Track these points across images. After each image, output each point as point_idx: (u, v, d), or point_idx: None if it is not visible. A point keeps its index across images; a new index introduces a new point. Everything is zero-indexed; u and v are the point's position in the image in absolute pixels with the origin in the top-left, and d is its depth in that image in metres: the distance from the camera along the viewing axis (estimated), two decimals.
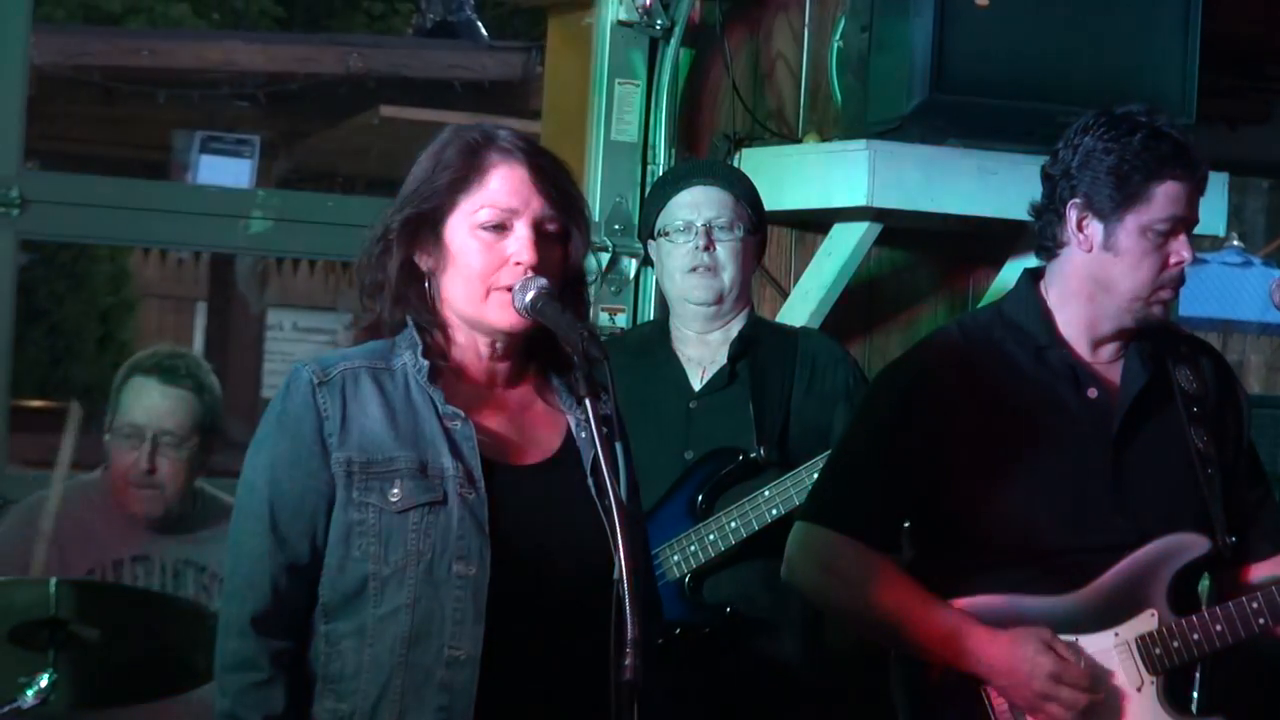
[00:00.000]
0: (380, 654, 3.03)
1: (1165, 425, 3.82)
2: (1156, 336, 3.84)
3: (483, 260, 3.08)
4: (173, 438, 4.58)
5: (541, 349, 3.20)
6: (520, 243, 3.08)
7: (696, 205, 4.54)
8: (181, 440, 4.59)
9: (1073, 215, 3.74)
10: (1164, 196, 3.68)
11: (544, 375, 3.22)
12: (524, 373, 3.21)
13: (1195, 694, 3.76)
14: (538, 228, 3.09)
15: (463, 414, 3.08)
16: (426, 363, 3.10)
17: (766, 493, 4.37)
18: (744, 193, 4.61)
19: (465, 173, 3.10)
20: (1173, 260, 3.72)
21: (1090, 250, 3.74)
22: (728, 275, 4.52)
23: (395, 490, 3.03)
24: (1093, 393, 3.79)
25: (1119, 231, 3.71)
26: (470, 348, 3.15)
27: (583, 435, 3.16)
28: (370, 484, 3.04)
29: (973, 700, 3.71)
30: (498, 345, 3.15)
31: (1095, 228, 3.73)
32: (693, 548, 4.40)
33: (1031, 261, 3.96)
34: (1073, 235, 3.75)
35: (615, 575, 2.87)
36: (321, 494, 3.05)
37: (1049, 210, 3.79)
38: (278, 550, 3.05)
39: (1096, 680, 3.68)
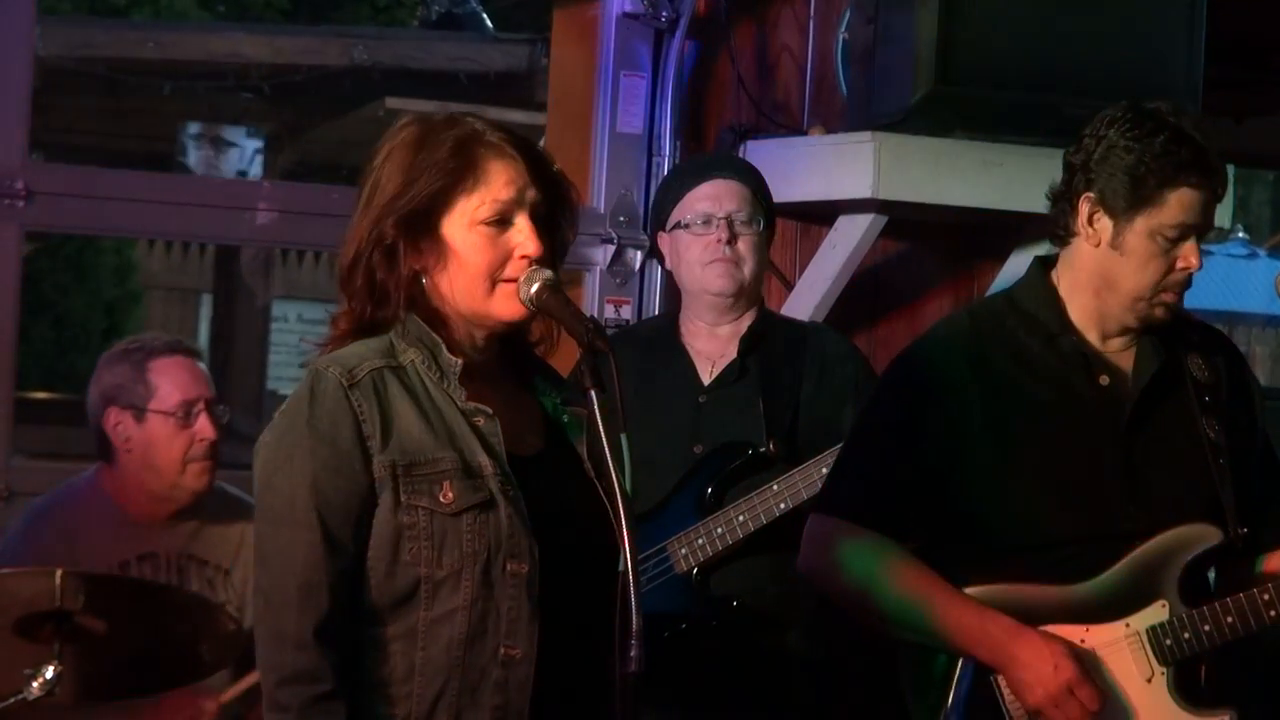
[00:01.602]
0: (435, 656, 3.00)
1: (1177, 414, 3.81)
2: (1169, 325, 3.83)
3: (487, 255, 3.07)
4: (213, 402, 4.61)
5: (510, 337, 3.19)
6: (524, 235, 3.07)
7: (718, 198, 4.54)
8: (219, 406, 4.63)
9: (1085, 209, 3.73)
10: (1177, 203, 3.67)
11: (518, 363, 3.22)
12: (505, 362, 3.20)
13: (1210, 686, 3.75)
14: (535, 217, 3.09)
15: (488, 410, 3.07)
16: (459, 360, 3.08)
17: (775, 487, 4.37)
18: (761, 189, 4.61)
19: (460, 170, 3.07)
20: (1179, 265, 3.70)
21: (1098, 245, 3.73)
22: (748, 268, 4.52)
23: (447, 492, 3.01)
24: (1104, 381, 3.78)
25: (1127, 231, 3.70)
26: (467, 342, 3.13)
27: (564, 419, 3.17)
28: (418, 486, 3.01)
29: (982, 689, 3.71)
30: (493, 336, 3.14)
31: (1105, 224, 3.72)
32: (700, 541, 4.40)
33: (1035, 253, 3.95)
34: (1083, 228, 3.75)
35: (620, 567, 2.87)
36: (364, 498, 3.01)
37: (1064, 198, 3.78)
38: (332, 558, 3.00)
39: (1104, 704, 3.67)
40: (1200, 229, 3.71)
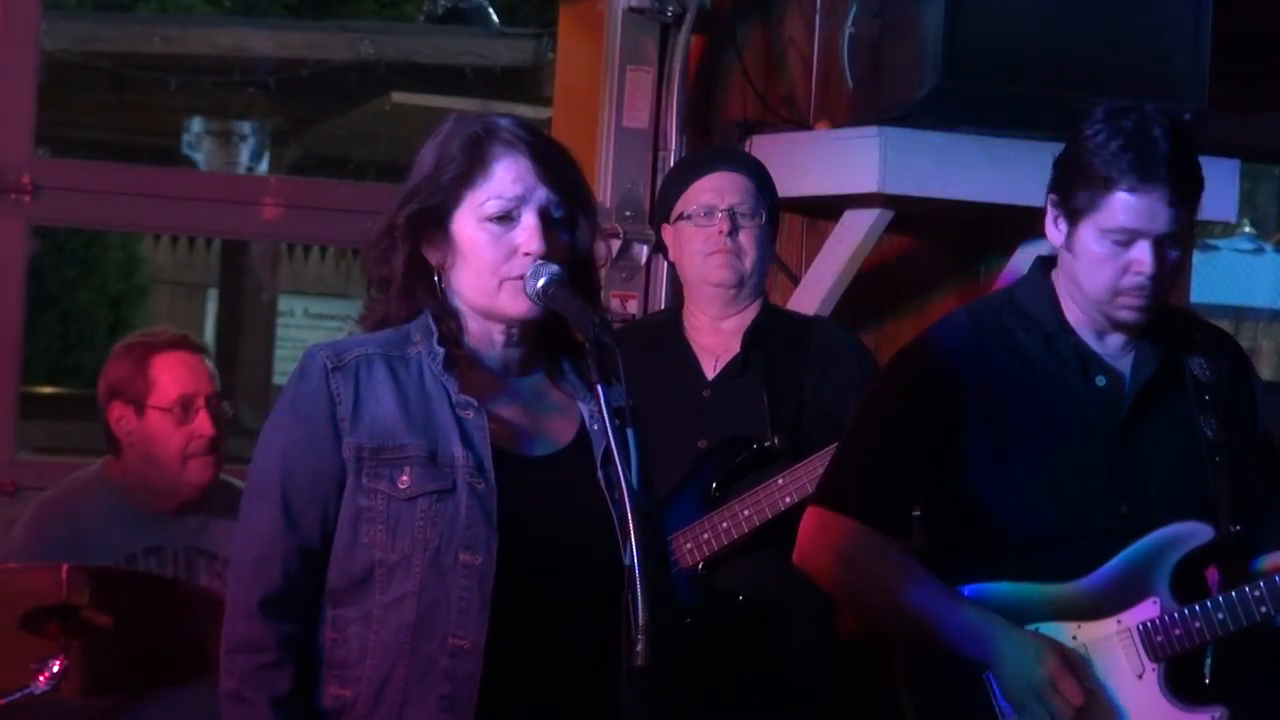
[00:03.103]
0: (385, 640, 3.03)
1: (1174, 413, 3.81)
2: (1172, 324, 3.84)
3: (492, 252, 3.08)
4: (216, 398, 4.63)
5: (554, 338, 3.20)
6: (528, 232, 3.08)
7: (720, 190, 4.54)
8: (221, 401, 4.64)
9: (1050, 211, 3.75)
10: (1119, 207, 3.63)
11: (557, 365, 3.23)
12: (537, 362, 3.21)
13: (1206, 682, 3.76)
14: (544, 217, 3.10)
15: (475, 403, 3.08)
16: (442, 350, 3.10)
17: (780, 481, 4.37)
18: (766, 183, 4.61)
19: (469, 166, 3.10)
20: (1133, 269, 3.67)
21: (1062, 247, 3.75)
22: (749, 260, 4.51)
23: (404, 477, 3.03)
24: (1101, 380, 3.79)
25: (1077, 234, 3.70)
26: (484, 337, 3.15)
27: (595, 427, 3.16)
28: (380, 470, 3.04)
29: (976, 687, 3.72)
30: (512, 333, 3.15)
31: (1064, 226, 3.73)
32: (706, 535, 4.40)
33: (1041, 248, 3.95)
34: (1049, 230, 3.76)
35: (627, 561, 2.87)
36: (333, 479, 3.05)
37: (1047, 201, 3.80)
38: (289, 533, 3.05)
39: (1091, 698, 3.67)
40: (1151, 234, 3.65)
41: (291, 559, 3.05)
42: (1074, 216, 3.69)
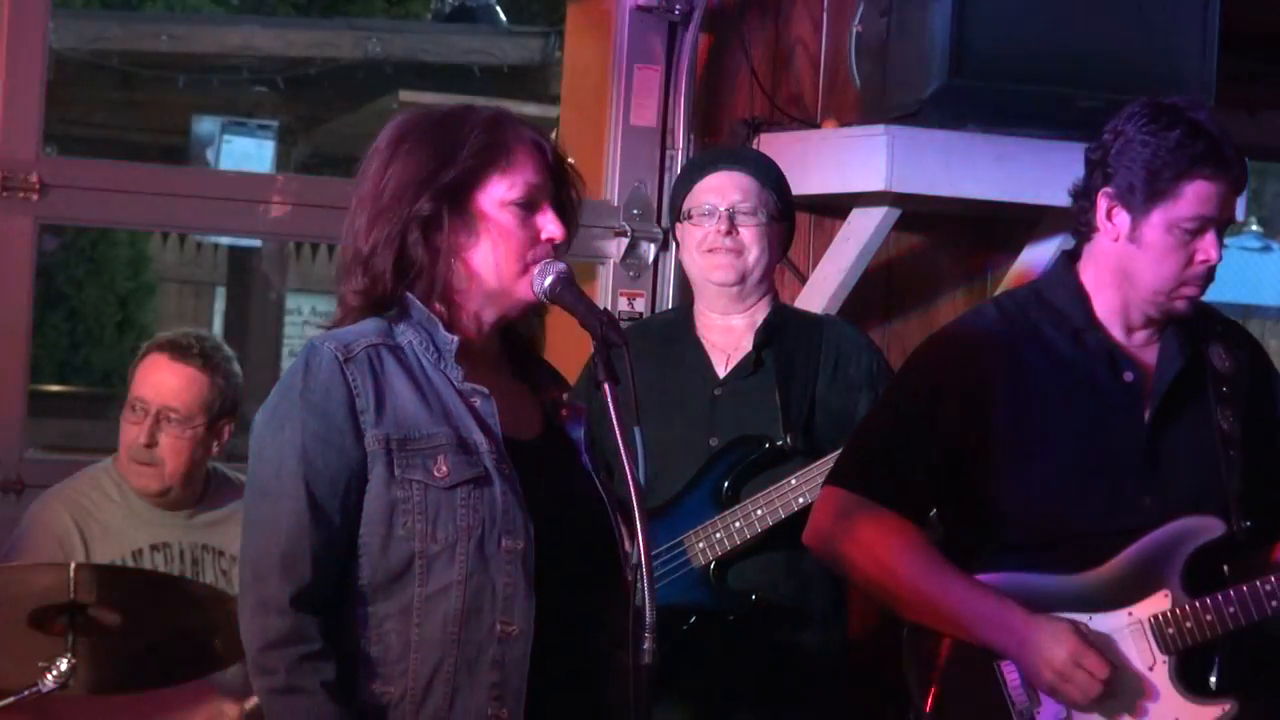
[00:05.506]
0: (431, 632, 3.01)
1: (1197, 408, 3.83)
2: (1194, 318, 3.85)
3: (518, 234, 3.10)
4: (177, 414, 4.54)
5: (509, 330, 3.22)
6: (551, 220, 3.12)
7: (721, 189, 4.55)
8: (186, 419, 4.55)
9: (1103, 204, 3.76)
10: (1193, 195, 3.69)
11: (514, 357, 3.25)
12: (502, 353, 3.23)
13: (1214, 675, 3.77)
14: (555, 206, 3.14)
15: (485, 390, 3.09)
16: (455, 338, 3.10)
17: (793, 481, 4.37)
18: (771, 180, 4.60)
19: (494, 149, 3.11)
20: (1198, 259, 3.72)
21: (1117, 240, 3.76)
22: (751, 257, 4.52)
23: (441, 466, 3.03)
24: (1129, 376, 3.81)
25: (1145, 225, 3.72)
26: (471, 324, 3.16)
27: (561, 412, 3.20)
28: (412, 460, 3.03)
29: (985, 673, 3.73)
30: (501, 320, 3.16)
31: (1123, 219, 3.75)
32: (718, 535, 4.40)
33: (1049, 246, 3.95)
34: (1102, 223, 3.77)
35: (634, 560, 2.88)
36: (354, 471, 3.03)
37: (1085, 194, 3.80)
38: (316, 527, 3.01)
39: (1114, 671, 3.68)
40: (1219, 222, 3.71)
41: (321, 553, 3.02)
42: (1140, 209, 3.72)
